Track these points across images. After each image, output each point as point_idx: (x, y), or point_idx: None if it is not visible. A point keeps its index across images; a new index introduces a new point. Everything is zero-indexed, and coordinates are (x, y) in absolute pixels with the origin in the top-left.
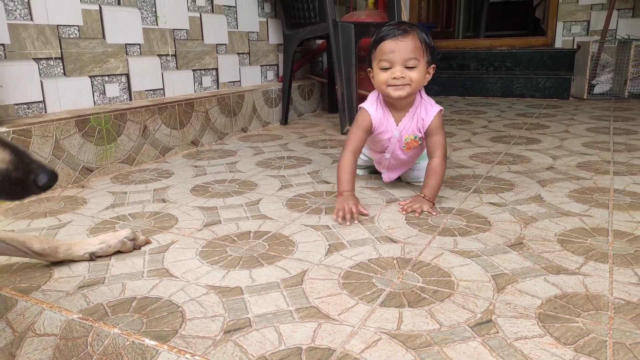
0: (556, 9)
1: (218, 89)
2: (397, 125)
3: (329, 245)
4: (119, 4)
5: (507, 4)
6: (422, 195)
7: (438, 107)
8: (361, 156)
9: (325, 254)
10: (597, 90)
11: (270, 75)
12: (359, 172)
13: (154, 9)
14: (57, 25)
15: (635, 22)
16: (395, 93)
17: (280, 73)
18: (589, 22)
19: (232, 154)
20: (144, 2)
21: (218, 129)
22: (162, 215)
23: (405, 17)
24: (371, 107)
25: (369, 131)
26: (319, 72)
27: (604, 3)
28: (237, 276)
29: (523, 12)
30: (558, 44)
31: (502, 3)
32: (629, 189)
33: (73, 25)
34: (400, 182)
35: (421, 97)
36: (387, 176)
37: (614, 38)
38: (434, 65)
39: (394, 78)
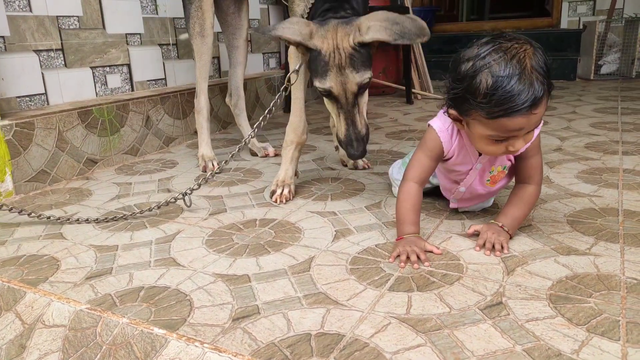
0: None
1: (220, 77)
2: (479, 155)
3: (335, 231)
4: None
5: None
6: (500, 225)
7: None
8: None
9: (332, 240)
10: (604, 70)
11: (273, 62)
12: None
13: None
14: (57, 16)
15: None
16: (499, 156)
17: (283, 61)
18: (595, 1)
19: (236, 142)
20: None
21: (221, 118)
22: (167, 206)
23: (408, 1)
24: (444, 132)
25: (440, 159)
26: None
27: None
28: (244, 264)
29: None
30: (564, 25)
31: None
32: (638, 169)
33: (73, 16)
34: None
35: None
36: (457, 205)
37: (620, 17)
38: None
39: (511, 151)
